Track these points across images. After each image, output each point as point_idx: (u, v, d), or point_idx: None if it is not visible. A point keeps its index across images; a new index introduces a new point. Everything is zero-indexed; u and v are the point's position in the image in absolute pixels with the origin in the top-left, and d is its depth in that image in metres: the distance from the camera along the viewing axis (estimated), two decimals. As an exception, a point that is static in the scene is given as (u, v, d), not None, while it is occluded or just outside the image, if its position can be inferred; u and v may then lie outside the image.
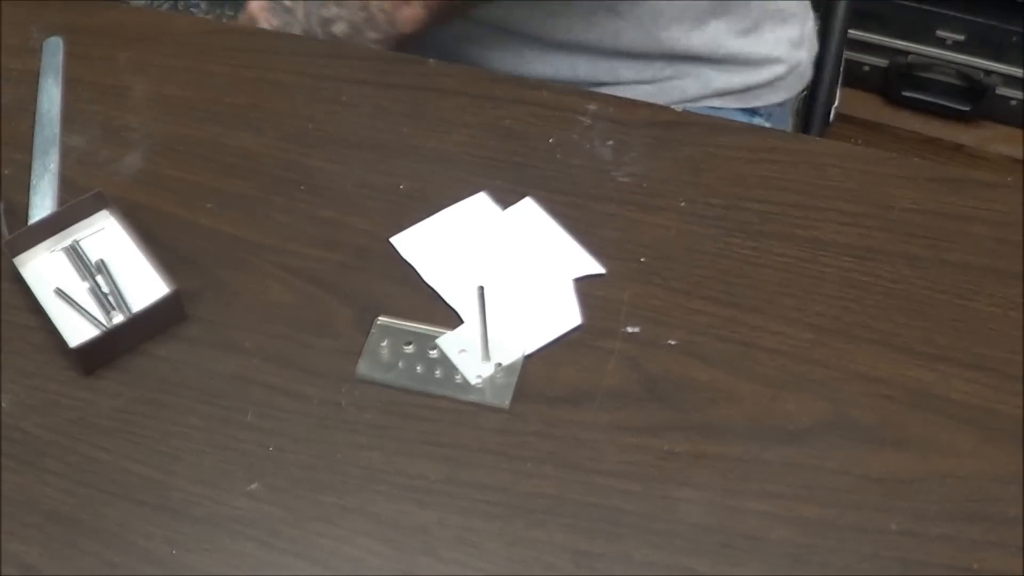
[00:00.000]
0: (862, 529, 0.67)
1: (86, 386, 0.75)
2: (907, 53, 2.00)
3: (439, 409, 0.73)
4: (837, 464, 0.69)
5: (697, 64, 1.11)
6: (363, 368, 0.74)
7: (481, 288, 0.72)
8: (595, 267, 0.79)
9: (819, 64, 1.25)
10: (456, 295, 0.78)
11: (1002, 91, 1.97)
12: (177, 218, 0.83)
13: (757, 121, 1.16)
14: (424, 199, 0.83)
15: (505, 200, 0.83)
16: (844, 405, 0.72)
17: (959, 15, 1.93)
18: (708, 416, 0.71)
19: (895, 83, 2.03)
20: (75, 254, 0.80)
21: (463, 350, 0.75)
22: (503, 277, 0.76)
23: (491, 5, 1.05)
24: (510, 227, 0.82)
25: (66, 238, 0.82)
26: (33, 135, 0.89)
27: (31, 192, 0.85)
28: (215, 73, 0.94)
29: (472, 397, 0.72)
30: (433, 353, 0.75)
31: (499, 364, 0.74)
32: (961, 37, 1.94)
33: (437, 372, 0.74)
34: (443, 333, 0.76)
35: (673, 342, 0.75)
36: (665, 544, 0.67)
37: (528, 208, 0.83)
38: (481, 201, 0.83)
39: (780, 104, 1.18)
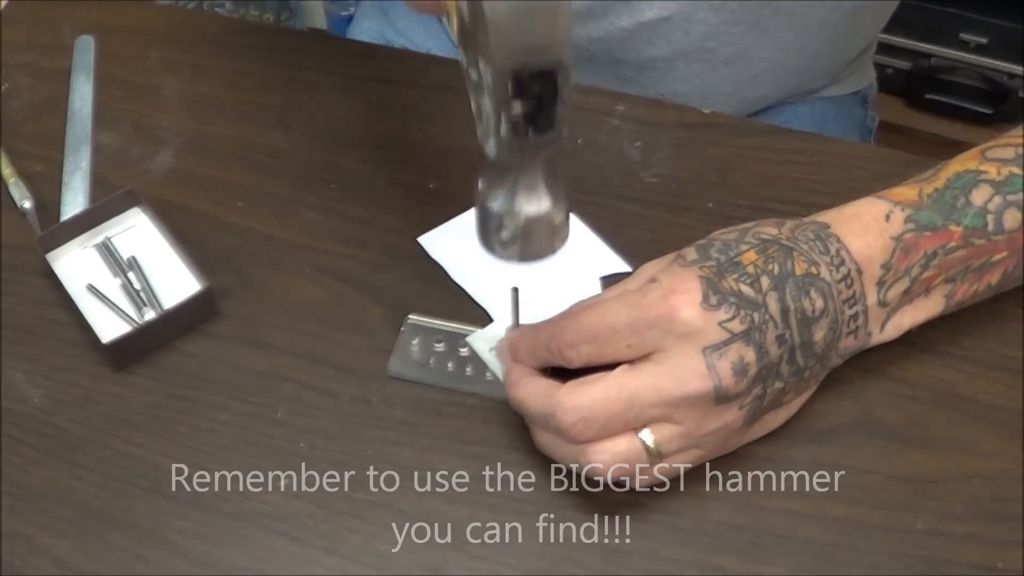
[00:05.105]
0: (888, 528, 0.67)
1: (118, 382, 0.76)
2: (930, 56, 2.00)
3: (469, 407, 0.73)
4: (863, 463, 0.70)
5: None
6: (394, 365, 0.75)
7: (515, 289, 0.72)
8: (622, 267, 0.79)
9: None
10: (484, 294, 0.78)
11: (1025, 94, 1.97)
12: (208, 216, 0.84)
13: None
14: (453, 198, 0.84)
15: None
16: (870, 405, 0.72)
17: (983, 18, 1.93)
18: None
19: (918, 86, 2.03)
20: (107, 251, 0.81)
21: (494, 348, 0.75)
22: (529, 277, 0.76)
23: None
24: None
25: (98, 235, 0.82)
26: (65, 133, 0.90)
27: (63, 189, 0.86)
28: (246, 72, 0.94)
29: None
30: (463, 351, 0.75)
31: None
32: (984, 40, 1.94)
33: (468, 370, 0.74)
34: (473, 331, 0.76)
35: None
36: (692, 541, 0.67)
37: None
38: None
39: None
